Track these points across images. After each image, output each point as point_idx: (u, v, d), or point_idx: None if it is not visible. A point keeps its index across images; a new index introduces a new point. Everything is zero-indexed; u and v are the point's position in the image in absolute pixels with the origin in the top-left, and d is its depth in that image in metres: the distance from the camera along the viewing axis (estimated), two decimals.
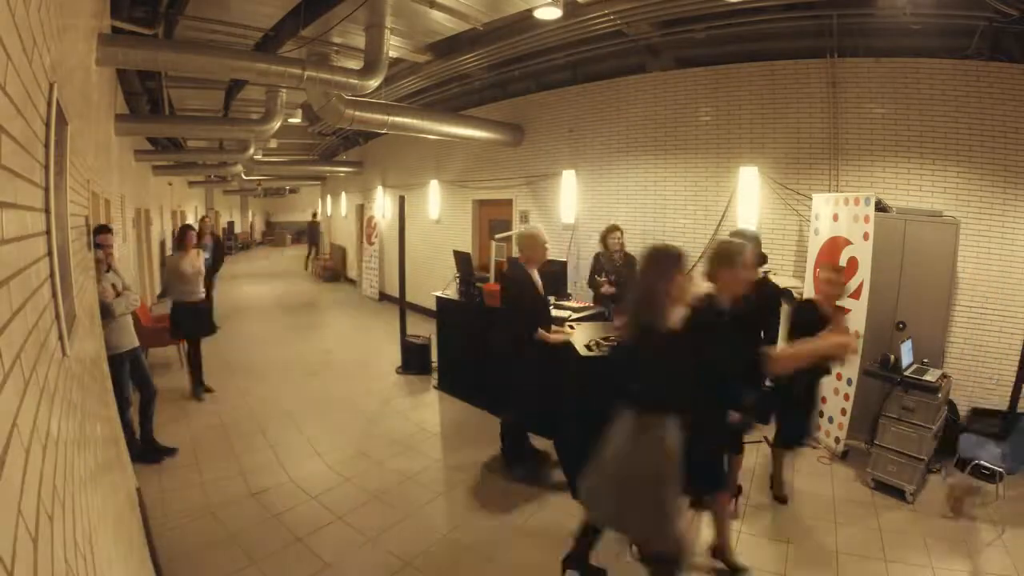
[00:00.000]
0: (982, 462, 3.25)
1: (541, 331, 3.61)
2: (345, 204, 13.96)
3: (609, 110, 6.13)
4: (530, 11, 4.59)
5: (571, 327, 3.91)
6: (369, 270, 11.39)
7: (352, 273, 13.32)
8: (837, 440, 4.05)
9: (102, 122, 4.06)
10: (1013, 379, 3.90)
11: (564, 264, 4.93)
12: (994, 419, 3.93)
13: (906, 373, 3.52)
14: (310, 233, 17.31)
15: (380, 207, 10.98)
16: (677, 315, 2.15)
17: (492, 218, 8.17)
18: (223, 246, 6.83)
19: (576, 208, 6.53)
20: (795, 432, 3.38)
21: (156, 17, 4.50)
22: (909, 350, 3.67)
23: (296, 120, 8.76)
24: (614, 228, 5.10)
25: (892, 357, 3.65)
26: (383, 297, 10.87)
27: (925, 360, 3.68)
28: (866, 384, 3.88)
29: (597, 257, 5.15)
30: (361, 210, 12.50)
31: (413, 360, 6.00)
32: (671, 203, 5.67)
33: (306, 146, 13.42)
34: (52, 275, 1.30)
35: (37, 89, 1.24)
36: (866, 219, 3.87)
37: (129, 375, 3.63)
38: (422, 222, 9.35)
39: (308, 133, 11.13)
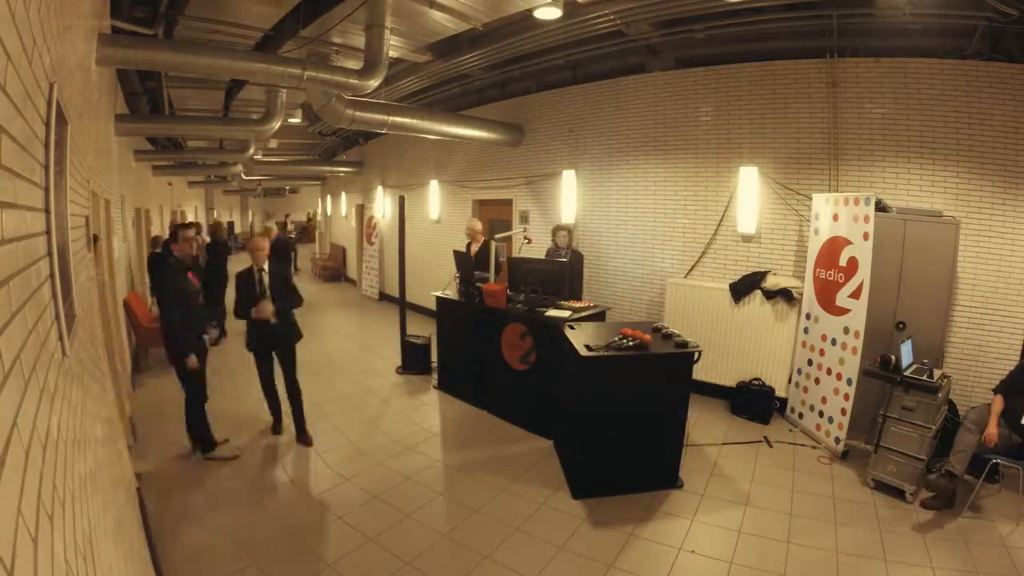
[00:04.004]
0: (997, 460, 3.26)
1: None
2: (345, 204, 13.96)
3: (609, 110, 6.13)
4: (530, 11, 4.58)
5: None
6: (369, 270, 11.39)
7: (352, 273, 13.32)
8: (837, 440, 4.05)
9: (102, 122, 4.06)
10: None
11: (563, 264, 4.92)
12: None
13: (906, 373, 3.52)
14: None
15: (380, 207, 10.98)
16: None
17: (492, 218, 8.17)
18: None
19: (576, 208, 6.53)
20: None
21: (156, 17, 4.49)
22: (909, 350, 3.67)
23: (296, 120, 8.75)
24: (560, 227, 5.69)
25: (892, 357, 3.65)
26: (383, 297, 10.88)
27: (925, 360, 3.68)
28: (866, 384, 3.88)
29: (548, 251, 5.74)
30: (361, 210, 12.50)
31: (413, 360, 6.00)
32: (671, 203, 5.67)
33: (306, 146, 13.42)
34: (52, 275, 1.30)
35: (37, 89, 1.23)
36: (866, 219, 3.87)
37: None
38: (422, 222, 9.35)
39: (308, 133, 11.13)
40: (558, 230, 5.67)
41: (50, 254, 1.29)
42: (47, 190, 1.29)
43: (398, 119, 5.74)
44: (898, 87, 4.36)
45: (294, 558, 2.78)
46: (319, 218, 18.00)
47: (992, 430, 3.22)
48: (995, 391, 3.45)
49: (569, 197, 6.54)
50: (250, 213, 27.69)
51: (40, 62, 1.28)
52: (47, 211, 1.29)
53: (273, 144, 11.97)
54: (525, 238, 5.81)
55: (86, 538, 1.22)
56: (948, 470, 3.27)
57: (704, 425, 4.62)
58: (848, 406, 3.99)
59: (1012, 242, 4.02)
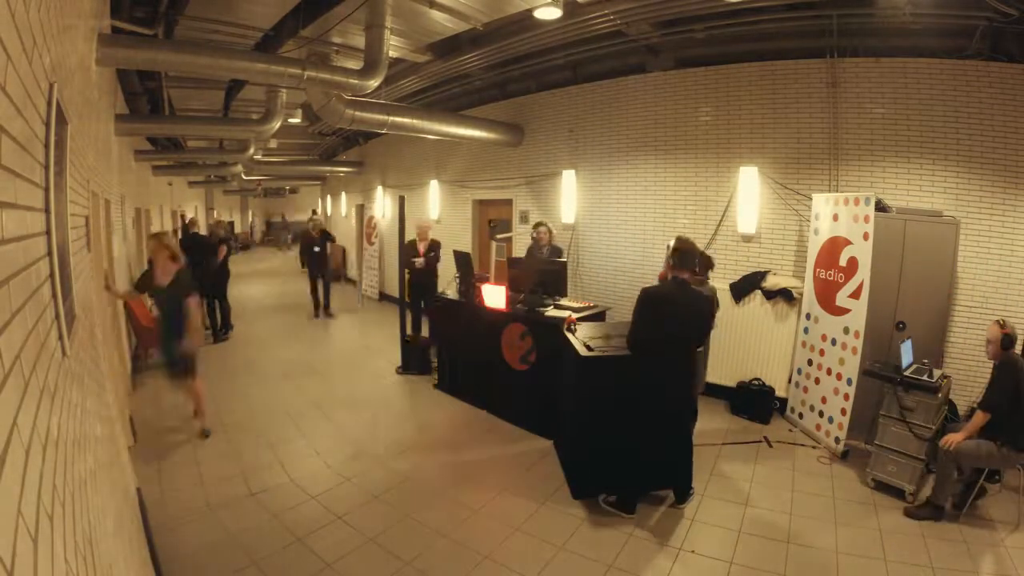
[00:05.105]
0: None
1: None
2: (345, 204, 13.96)
3: (609, 110, 6.13)
4: (530, 11, 4.58)
5: None
6: (369, 270, 11.39)
7: (352, 273, 13.32)
8: (837, 440, 4.05)
9: (102, 122, 4.06)
10: None
11: (564, 264, 4.93)
12: None
13: (906, 373, 3.52)
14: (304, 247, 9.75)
15: (380, 207, 10.98)
16: None
17: (492, 218, 8.17)
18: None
19: (576, 208, 6.54)
20: None
21: (156, 17, 4.49)
22: (909, 350, 3.67)
23: (296, 120, 8.76)
24: (540, 223, 5.68)
25: (892, 357, 3.65)
26: (383, 297, 10.87)
27: (925, 360, 3.68)
28: (866, 384, 3.88)
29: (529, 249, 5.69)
30: (361, 210, 12.50)
31: (413, 360, 6.00)
32: (671, 203, 5.67)
33: (306, 146, 13.42)
34: (52, 275, 1.30)
35: (37, 89, 1.23)
36: (866, 219, 3.87)
37: None
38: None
39: (308, 133, 11.13)
40: (538, 226, 5.60)
41: (50, 254, 1.29)
42: (47, 190, 1.29)
43: (398, 119, 5.74)
44: (898, 87, 4.35)
45: (294, 558, 2.78)
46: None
47: (956, 437, 3.14)
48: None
49: (569, 197, 6.54)
50: (250, 213, 27.71)
51: (40, 62, 1.28)
52: (47, 211, 1.28)
53: (273, 144, 11.97)
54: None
55: (86, 538, 1.22)
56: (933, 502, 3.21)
57: (704, 425, 4.62)
58: (848, 406, 3.99)
59: (1012, 242, 4.02)
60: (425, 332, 6.39)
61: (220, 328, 7.53)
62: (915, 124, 4.31)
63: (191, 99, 8.12)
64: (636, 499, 3.27)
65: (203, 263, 7.26)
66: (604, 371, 3.39)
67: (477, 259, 7.81)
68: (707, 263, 4.02)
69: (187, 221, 8.65)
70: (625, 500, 3.25)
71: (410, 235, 6.61)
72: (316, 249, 8.75)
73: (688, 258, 3.10)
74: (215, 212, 21.73)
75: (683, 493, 3.35)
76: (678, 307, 3.04)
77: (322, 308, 9.06)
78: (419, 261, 6.53)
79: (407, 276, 6.38)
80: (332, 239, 9.06)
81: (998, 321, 3.18)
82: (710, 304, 3.18)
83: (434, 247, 6.75)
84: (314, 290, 9.14)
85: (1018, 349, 3.22)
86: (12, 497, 0.73)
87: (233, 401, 5.07)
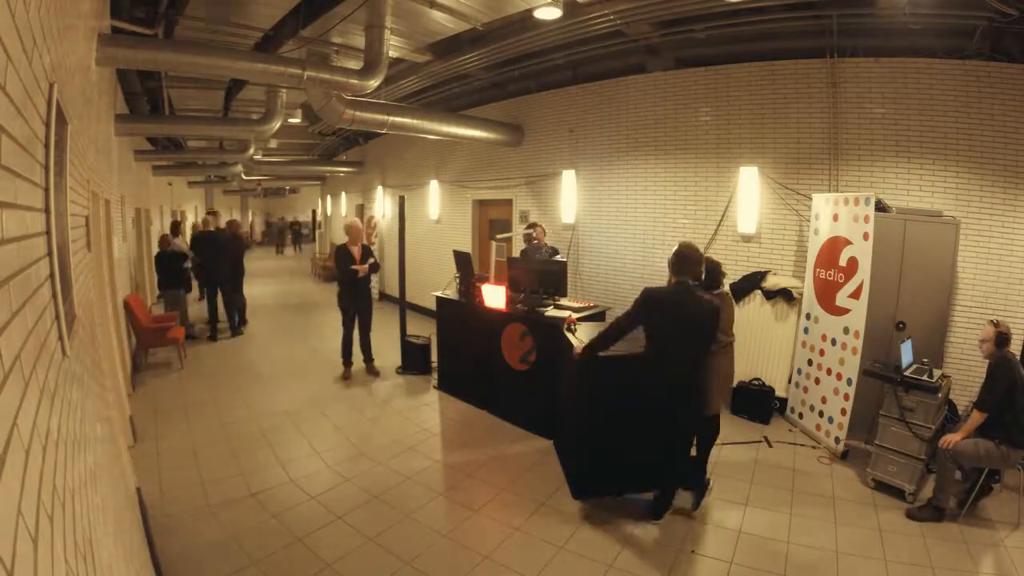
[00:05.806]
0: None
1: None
2: (345, 204, 13.96)
3: (609, 110, 6.13)
4: (530, 11, 4.58)
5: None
6: None
7: None
8: (837, 440, 4.05)
9: (102, 122, 4.06)
10: None
11: (564, 264, 4.92)
12: None
13: (906, 373, 3.52)
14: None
15: (380, 207, 10.98)
16: None
17: (492, 218, 8.17)
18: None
19: (576, 208, 6.54)
20: None
21: (156, 17, 4.50)
22: (909, 350, 3.67)
23: (296, 120, 8.76)
24: (537, 224, 5.89)
25: (892, 357, 3.64)
26: (383, 297, 10.87)
27: (925, 360, 3.68)
28: (866, 384, 3.88)
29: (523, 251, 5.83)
30: (361, 210, 12.50)
31: (413, 360, 6.00)
32: (671, 203, 5.67)
33: (306, 146, 13.42)
34: (52, 275, 1.30)
35: (37, 89, 1.23)
36: (866, 219, 3.87)
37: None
38: (422, 222, 9.35)
39: (308, 133, 11.13)
40: (535, 226, 5.70)
41: (50, 254, 1.29)
42: (47, 190, 1.29)
43: (398, 119, 5.74)
44: (898, 87, 4.36)
45: (294, 558, 2.78)
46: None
47: (954, 437, 3.16)
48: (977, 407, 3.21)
49: (569, 197, 6.54)
50: (250, 213, 27.74)
51: (40, 62, 1.28)
52: (47, 211, 1.28)
53: (273, 144, 11.98)
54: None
55: (86, 538, 1.22)
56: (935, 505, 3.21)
57: None
58: (848, 406, 3.99)
59: (1012, 242, 4.02)
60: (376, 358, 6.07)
61: (237, 323, 7.79)
62: (915, 124, 4.31)
63: (191, 99, 8.12)
64: (666, 506, 3.24)
65: (216, 260, 7.32)
66: (604, 371, 3.39)
67: (477, 259, 7.81)
68: (713, 278, 3.61)
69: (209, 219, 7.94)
70: (655, 506, 3.24)
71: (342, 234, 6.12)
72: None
73: (687, 263, 3.07)
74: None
75: (696, 498, 3.32)
76: (677, 310, 3.04)
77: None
78: (361, 269, 5.58)
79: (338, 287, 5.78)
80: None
81: (992, 321, 3.20)
82: (714, 313, 3.13)
83: (369, 252, 5.79)
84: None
85: (1015, 349, 3.23)
86: (12, 497, 0.73)
87: (233, 400, 5.08)
